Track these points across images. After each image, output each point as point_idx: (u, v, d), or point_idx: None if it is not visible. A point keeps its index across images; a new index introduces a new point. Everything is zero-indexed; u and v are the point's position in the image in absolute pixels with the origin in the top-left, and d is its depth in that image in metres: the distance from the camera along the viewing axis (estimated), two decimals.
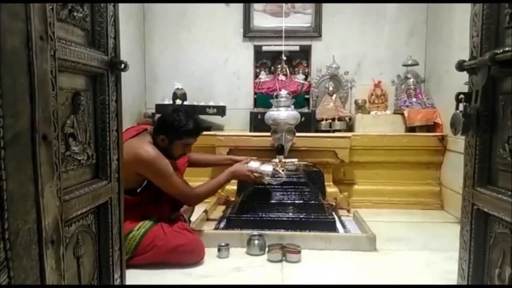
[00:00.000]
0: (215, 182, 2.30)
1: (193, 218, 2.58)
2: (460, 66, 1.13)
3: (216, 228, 2.52)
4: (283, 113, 2.81)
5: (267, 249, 2.15)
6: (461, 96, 1.12)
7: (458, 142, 3.00)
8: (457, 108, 1.18)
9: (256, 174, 2.35)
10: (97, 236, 1.18)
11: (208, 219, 2.74)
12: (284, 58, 3.00)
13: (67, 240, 1.01)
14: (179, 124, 2.07)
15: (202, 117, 3.73)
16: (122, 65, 1.19)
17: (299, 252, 2.12)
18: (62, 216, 0.92)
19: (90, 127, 1.13)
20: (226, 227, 2.47)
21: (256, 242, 2.19)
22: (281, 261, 2.09)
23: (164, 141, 2.10)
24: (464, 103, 1.13)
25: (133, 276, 1.88)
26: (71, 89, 1.04)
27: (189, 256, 1.99)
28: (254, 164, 2.37)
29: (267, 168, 2.40)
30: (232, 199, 3.10)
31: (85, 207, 1.07)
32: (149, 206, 2.13)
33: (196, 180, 2.76)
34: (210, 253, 2.14)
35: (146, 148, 2.02)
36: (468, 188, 1.15)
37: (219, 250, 2.15)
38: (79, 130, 1.06)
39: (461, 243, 1.19)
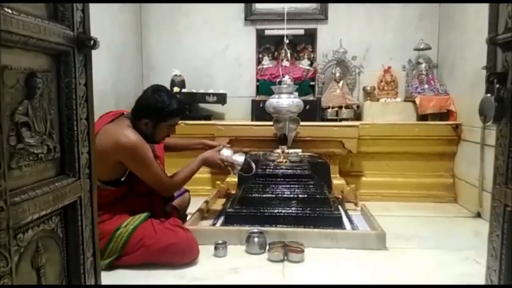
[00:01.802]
0: (190, 170, 2.12)
1: (190, 211, 2.43)
2: (492, 40, 0.94)
3: (213, 224, 2.36)
4: (285, 100, 2.62)
5: (267, 247, 2.00)
6: (493, 76, 0.92)
7: (473, 132, 2.81)
8: (487, 91, 0.99)
9: (226, 163, 2.20)
10: (64, 241, 1.02)
11: (207, 211, 2.59)
12: (287, 41, 2.79)
13: (22, 250, 0.85)
14: (163, 105, 1.91)
15: (202, 105, 3.59)
16: (92, 42, 1.01)
17: (302, 251, 1.96)
18: (9, 222, 0.76)
19: (52, 115, 0.96)
20: (225, 222, 2.31)
21: (255, 239, 2.04)
22: (282, 260, 1.93)
23: (148, 125, 1.94)
24: (497, 85, 0.94)
25: (119, 277, 1.75)
26: (24, 69, 0.87)
27: (182, 256, 1.83)
28: (226, 153, 2.21)
29: (239, 158, 2.23)
30: (233, 192, 2.94)
31: (45, 209, 0.90)
32: (139, 198, 2.00)
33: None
34: (206, 251, 1.99)
35: (126, 133, 1.85)
36: (500, 186, 0.97)
37: (215, 248, 1.99)
38: (35, 118, 0.89)
39: (489, 250, 1.01)
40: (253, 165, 2.29)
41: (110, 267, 1.80)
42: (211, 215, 2.55)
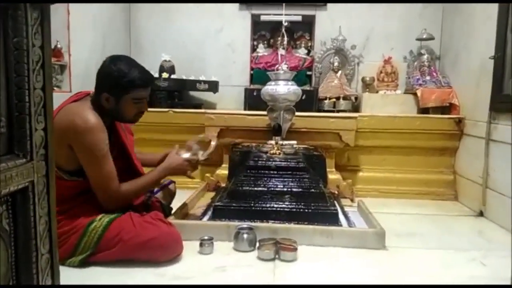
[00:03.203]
0: (147, 180, 1.81)
1: (174, 205, 2.26)
2: None
3: (200, 218, 2.19)
4: (282, 87, 2.45)
5: (257, 244, 1.83)
6: None
7: (478, 126, 2.67)
8: None
9: (192, 160, 1.94)
10: (12, 235, 0.85)
11: (193, 207, 2.42)
12: (285, 23, 2.61)
13: None
14: (119, 74, 1.66)
15: (192, 93, 3.42)
16: None
17: (295, 249, 1.80)
18: None
19: None
20: (212, 217, 2.15)
21: (245, 236, 1.87)
22: (273, 259, 1.77)
23: (109, 100, 1.69)
24: None
25: (93, 275, 1.59)
26: None
27: (163, 252, 1.66)
28: (186, 154, 1.95)
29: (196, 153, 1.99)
30: (223, 185, 2.78)
31: None
32: None
33: None
34: (191, 248, 1.82)
35: (84, 114, 1.61)
36: None
37: (201, 245, 1.83)
38: None
39: None
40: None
41: (83, 263, 1.63)
42: (198, 209, 2.38)
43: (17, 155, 0.85)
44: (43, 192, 0.91)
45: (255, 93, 3.09)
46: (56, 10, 2.51)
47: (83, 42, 2.77)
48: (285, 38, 2.60)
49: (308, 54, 3.45)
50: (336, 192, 2.76)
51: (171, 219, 1.95)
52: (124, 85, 1.67)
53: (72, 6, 2.60)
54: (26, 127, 0.85)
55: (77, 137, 1.59)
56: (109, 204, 1.68)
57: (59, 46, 2.60)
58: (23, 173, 0.84)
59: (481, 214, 2.57)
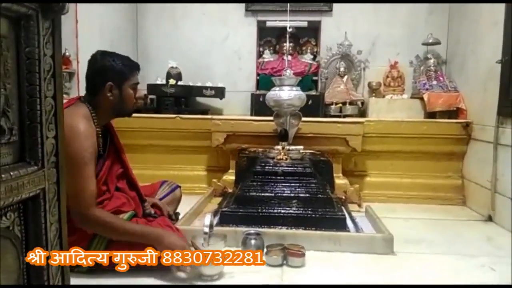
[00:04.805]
0: (128, 227, 1.61)
1: (181, 211, 2.27)
2: None
3: None
4: (286, 93, 2.45)
5: (265, 250, 1.83)
6: None
7: (485, 130, 2.65)
8: None
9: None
10: (23, 241, 0.86)
11: (200, 213, 2.42)
12: (290, 29, 2.61)
13: None
14: (118, 63, 1.69)
15: (199, 99, 3.44)
16: (59, 5, 0.85)
17: (303, 254, 1.79)
18: None
19: (8, 90, 0.80)
20: (220, 223, 2.15)
21: (252, 242, 1.87)
22: (281, 265, 1.77)
23: (113, 91, 1.68)
24: None
25: (101, 280, 1.59)
26: None
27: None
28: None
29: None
30: (230, 190, 2.79)
31: None
32: (120, 198, 1.75)
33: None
34: None
35: (70, 121, 1.50)
36: None
37: None
38: None
39: None
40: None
41: (91, 270, 1.63)
42: (205, 215, 2.38)
43: (29, 162, 0.86)
44: (54, 199, 0.92)
45: (261, 99, 3.10)
46: (65, 19, 2.54)
47: (91, 49, 2.77)
48: (288, 44, 2.61)
49: (314, 59, 3.46)
50: (344, 198, 2.75)
51: (178, 225, 1.96)
52: (126, 71, 1.71)
53: (81, 14, 2.64)
54: (37, 135, 0.86)
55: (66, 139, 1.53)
56: (79, 219, 1.53)
57: (67, 54, 2.63)
58: (34, 180, 0.85)
59: (489, 219, 2.55)
